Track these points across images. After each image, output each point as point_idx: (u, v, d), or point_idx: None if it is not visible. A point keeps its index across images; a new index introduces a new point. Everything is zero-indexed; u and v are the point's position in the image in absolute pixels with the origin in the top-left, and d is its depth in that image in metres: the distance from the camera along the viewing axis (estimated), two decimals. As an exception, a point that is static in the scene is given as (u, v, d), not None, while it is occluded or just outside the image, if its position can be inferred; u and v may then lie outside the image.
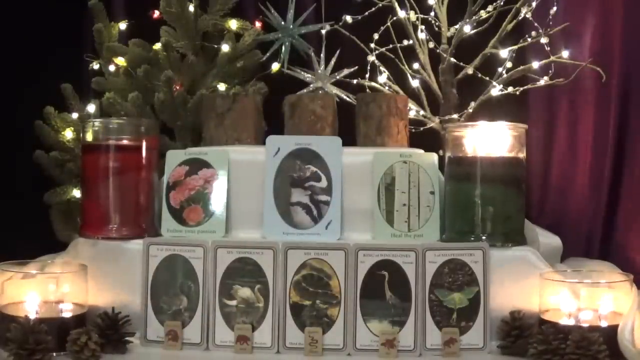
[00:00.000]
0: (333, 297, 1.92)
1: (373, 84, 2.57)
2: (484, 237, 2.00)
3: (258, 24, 2.64)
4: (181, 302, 1.95)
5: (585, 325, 1.85)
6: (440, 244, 2.03)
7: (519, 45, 2.47)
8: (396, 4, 2.53)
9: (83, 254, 2.05)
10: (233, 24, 2.63)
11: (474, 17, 2.49)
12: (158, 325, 1.94)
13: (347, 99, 2.50)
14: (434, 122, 2.51)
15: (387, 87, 2.56)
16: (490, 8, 2.49)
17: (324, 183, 2.09)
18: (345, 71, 2.49)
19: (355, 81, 2.55)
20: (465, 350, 1.90)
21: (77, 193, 2.51)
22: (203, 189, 2.12)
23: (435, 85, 2.55)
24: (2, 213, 2.61)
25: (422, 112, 2.54)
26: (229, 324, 1.93)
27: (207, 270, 1.95)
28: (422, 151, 2.16)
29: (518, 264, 1.99)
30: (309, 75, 2.50)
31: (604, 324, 1.86)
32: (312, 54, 2.52)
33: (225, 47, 2.57)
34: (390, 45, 2.56)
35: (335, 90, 2.49)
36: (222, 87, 2.54)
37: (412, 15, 2.54)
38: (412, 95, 2.52)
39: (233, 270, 1.95)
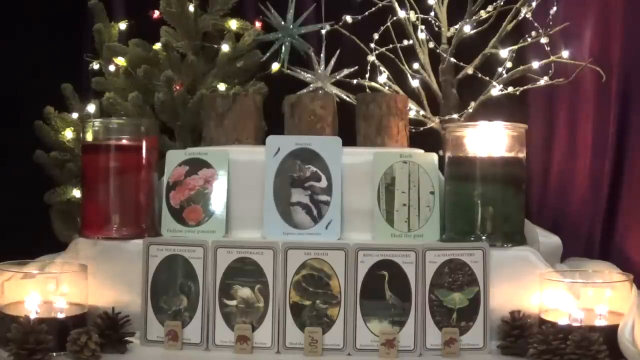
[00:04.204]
0: (333, 297, 1.92)
1: (373, 84, 2.57)
2: (484, 237, 2.00)
3: (258, 24, 2.64)
4: (181, 302, 1.95)
5: (585, 325, 1.85)
6: (440, 244, 2.03)
7: (519, 45, 2.47)
8: (396, 4, 2.53)
9: (83, 254, 2.05)
10: (233, 24, 2.63)
11: (474, 17, 2.49)
12: (158, 325, 1.94)
13: (347, 99, 2.49)
14: (434, 122, 2.51)
15: (387, 87, 2.56)
16: (490, 8, 2.49)
17: (324, 183, 2.09)
18: (345, 71, 2.49)
19: (355, 81, 2.55)
20: (465, 350, 1.90)
21: (77, 193, 2.51)
22: (203, 189, 2.12)
23: (435, 85, 2.55)
24: (2, 213, 2.61)
25: (422, 112, 2.54)
26: (229, 324, 1.93)
27: (207, 270, 1.95)
28: (422, 151, 2.16)
29: (518, 264, 1.99)
30: (309, 75, 2.50)
31: (603, 324, 1.86)
32: (312, 54, 2.52)
33: (225, 47, 2.57)
34: (390, 45, 2.56)
35: (335, 90, 2.49)
36: (222, 87, 2.54)
37: (412, 15, 2.54)
38: (412, 95, 2.51)
39: (233, 270, 1.95)
